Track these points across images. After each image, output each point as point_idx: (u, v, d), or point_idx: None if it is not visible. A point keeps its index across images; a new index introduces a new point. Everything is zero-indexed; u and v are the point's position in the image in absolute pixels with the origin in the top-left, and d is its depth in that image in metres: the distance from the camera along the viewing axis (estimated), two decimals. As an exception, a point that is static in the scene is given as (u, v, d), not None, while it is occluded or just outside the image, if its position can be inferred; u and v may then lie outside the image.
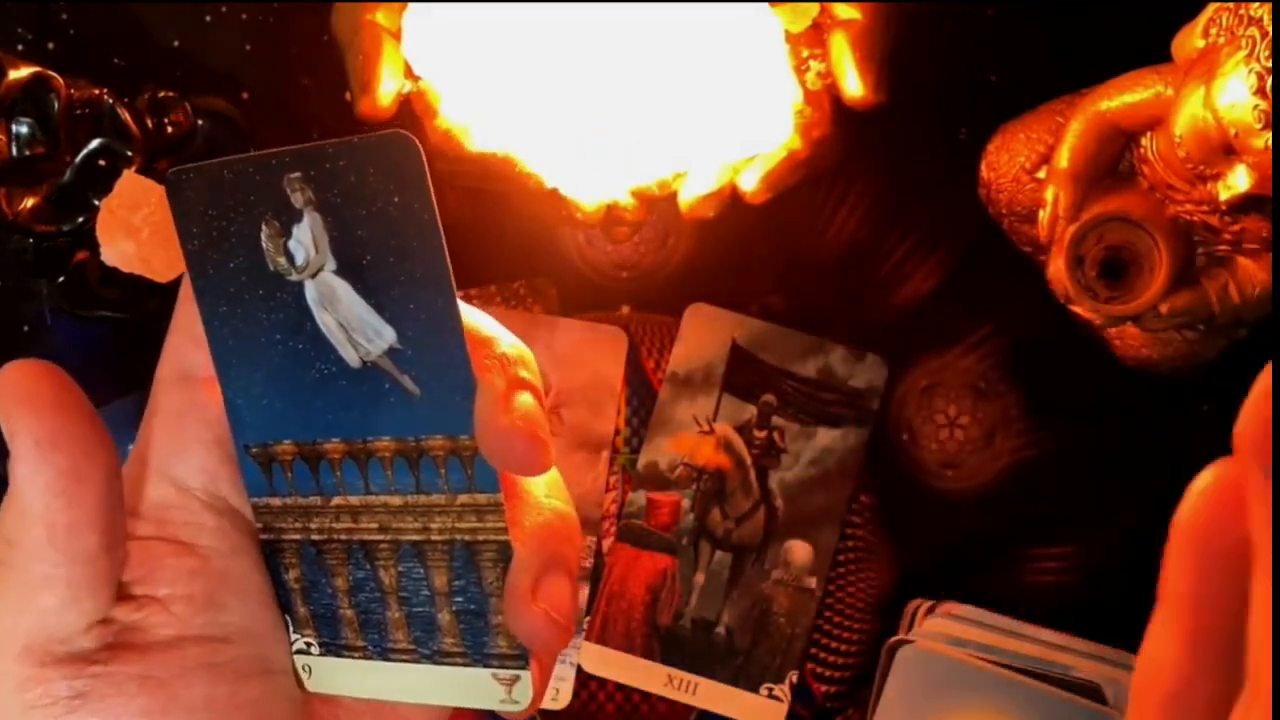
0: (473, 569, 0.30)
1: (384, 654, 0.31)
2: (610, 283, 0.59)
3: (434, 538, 0.30)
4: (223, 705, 0.29)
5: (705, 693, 0.56)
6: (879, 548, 0.58)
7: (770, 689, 0.57)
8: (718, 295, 0.58)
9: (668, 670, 0.57)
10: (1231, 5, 0.44)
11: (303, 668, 0.31)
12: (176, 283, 0.55)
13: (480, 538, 0.29)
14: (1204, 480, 0.24)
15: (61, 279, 0.55)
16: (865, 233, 0.58)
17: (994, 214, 0.56)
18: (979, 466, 0.58)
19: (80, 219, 0.54)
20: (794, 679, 0.57)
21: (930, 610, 0.56)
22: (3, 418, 0.27)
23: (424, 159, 0.27)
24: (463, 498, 0.29)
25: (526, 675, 0.30)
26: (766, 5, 0.51)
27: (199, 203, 0.28)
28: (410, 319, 0.28)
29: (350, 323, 0.28)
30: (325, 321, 0.29)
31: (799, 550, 0.57)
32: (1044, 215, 0.51)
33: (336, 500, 0.30)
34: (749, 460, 0.57)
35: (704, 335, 0.58)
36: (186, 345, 0.30)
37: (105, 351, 0.58)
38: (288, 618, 0.31)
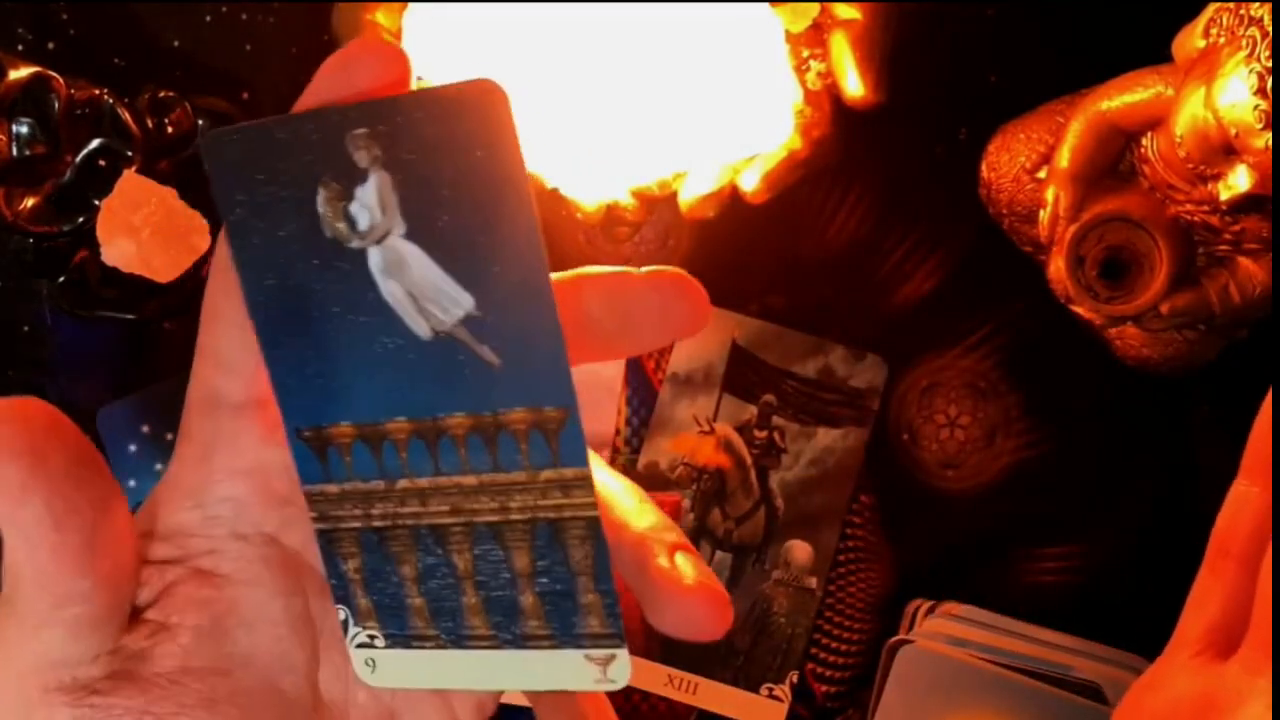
0: (558, 548, 0.27)
1: (459, 642, 0.28)
2: (610, 283, 0.59)
3: (513, 517, 0.27)
4: None
5: (705, 693, 0.56)
6: (879, 548, 0.58)
7: (770, 689, 0.57)
8: (718, 295, 0.58)
9: (668, 670, 0.57)
10: (1232, 5, 0.44)
11: (366, 662, 0.29)
12: (177, 283, 0.55)
13: (566, 515, 0.27)
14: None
15: (61, 279, 0.55)
16: (865, 233, 0.57)
17: (994, 214, 0.55)
18: (979, 466, 0.58)
19: (80, 219, 0.54)
20: (794, 679, 0.57)
21: (930, 610, 0.56)
22: None
23: (511, 109, 0.24)
24: (546, 473, 0.27)
25: (623, 653, 0.28)
26: (766, 5, 0.51)
27: (243, 166, 0.26)
28: (492, 283, 0.25)
29: (421, 290, 0.26)
30: (391, 290, 0.26)
31: (799, 550, 0.57)
32: (1044, 215, 0.51)
33: (402, 483, 0.28)
34: (749, 460, 0.57)
35: (704, 335, 0.58)
36: (212, 371, 0.29)
37: (105, 351, 0.58)
38: (345, 610, 0.29)
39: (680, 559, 0.27)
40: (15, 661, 0.27)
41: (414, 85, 0.26)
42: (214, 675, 0.28)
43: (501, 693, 0.31)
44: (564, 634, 0.28)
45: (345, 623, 0.29)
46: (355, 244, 0.26)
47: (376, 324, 0.26)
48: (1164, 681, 0.35)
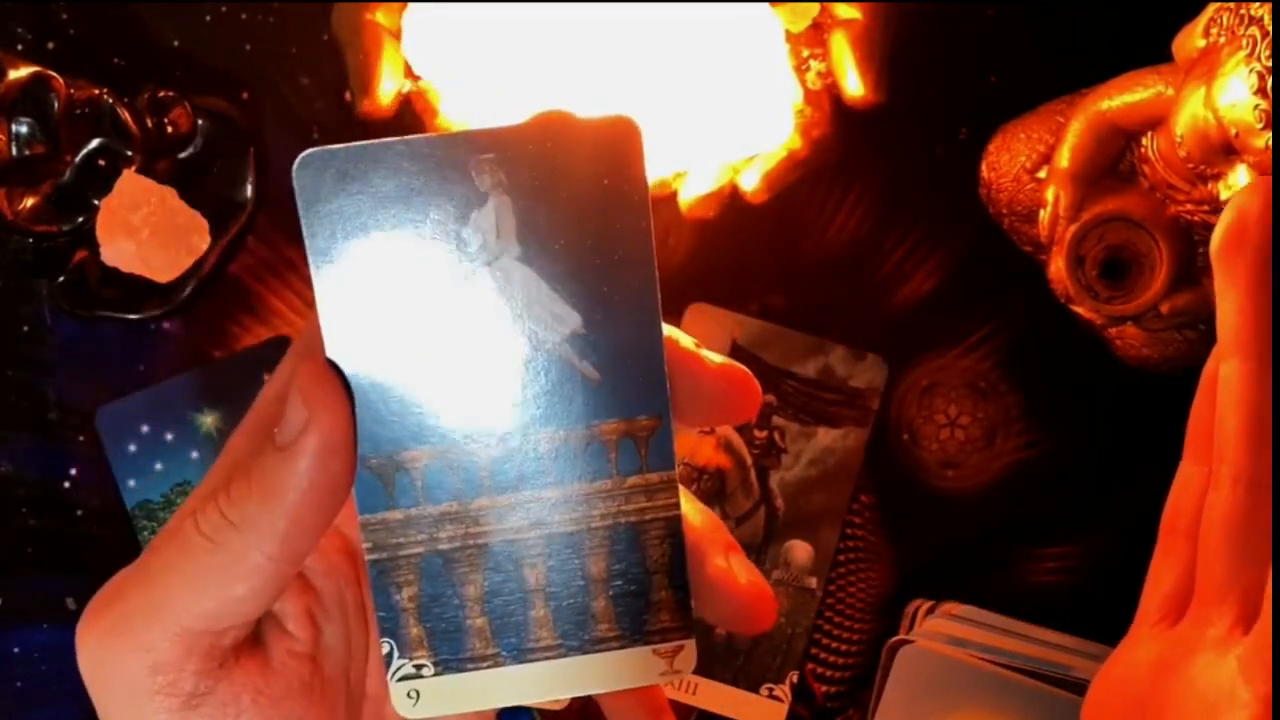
0: (636, 550, 0.28)
1: (519, 656, 0.29)
2: (610, 283, 0.59)
3: (595, 525, 0.28)
4: None
5: (705, 693, 0.56)
6: (879, 548, 0.58)
7: (770, 689, 0.57)
8: (718, 295, 0.58)
9: (668, 670, 0.57)
10: (1232, 5, 0.44)
11: (409, 694, 0.29)
12: (177, 283, 0.55)
13: (648, 517, 0.28)
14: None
15: (61, 279, 0.55)
16: (865, 233, 0.57)
17: (994, 214, 0.56)
18: (979, 466, 0.58)
19: (80, 219, 0.54)
20: (794, 679, 0.57)
21: (930, 610, 0.56)
22: (303, 409, 0.26)
23: (643, 143, 0.26)
24: (633, 479, 0.28)
25: (690, 643, 0.29)
26: (766, 5, 0.51)
27: (341, 187, 0.26)
28: (601, 302, 0.27)
29: (528, 310, 0.27)
30: (496, 310, 0.27)
31: (799, 550, 0.57)
32: (1044, 215, 0.51)
33: (479, 502, 0.28)
34: (749, 460, 0.57)
35: (704, 335, 0.58)
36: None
37: (105, 351, 0.58)
38: (390, 643, 0.29)
39: (734, 560, 0.29)
40: (178, 613, 0.27)
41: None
42: (308, 661, 0.29)
43: None
44: (634, 632, 0.29)
45: (389, 655, 0.29)
46: (462, 265, 0.27)
47: (473, 344, 0.27)
48: (1126, 654, 0.37)
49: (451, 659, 0.29)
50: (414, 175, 0.26)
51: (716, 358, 0.28)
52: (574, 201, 0.26)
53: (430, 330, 0.27)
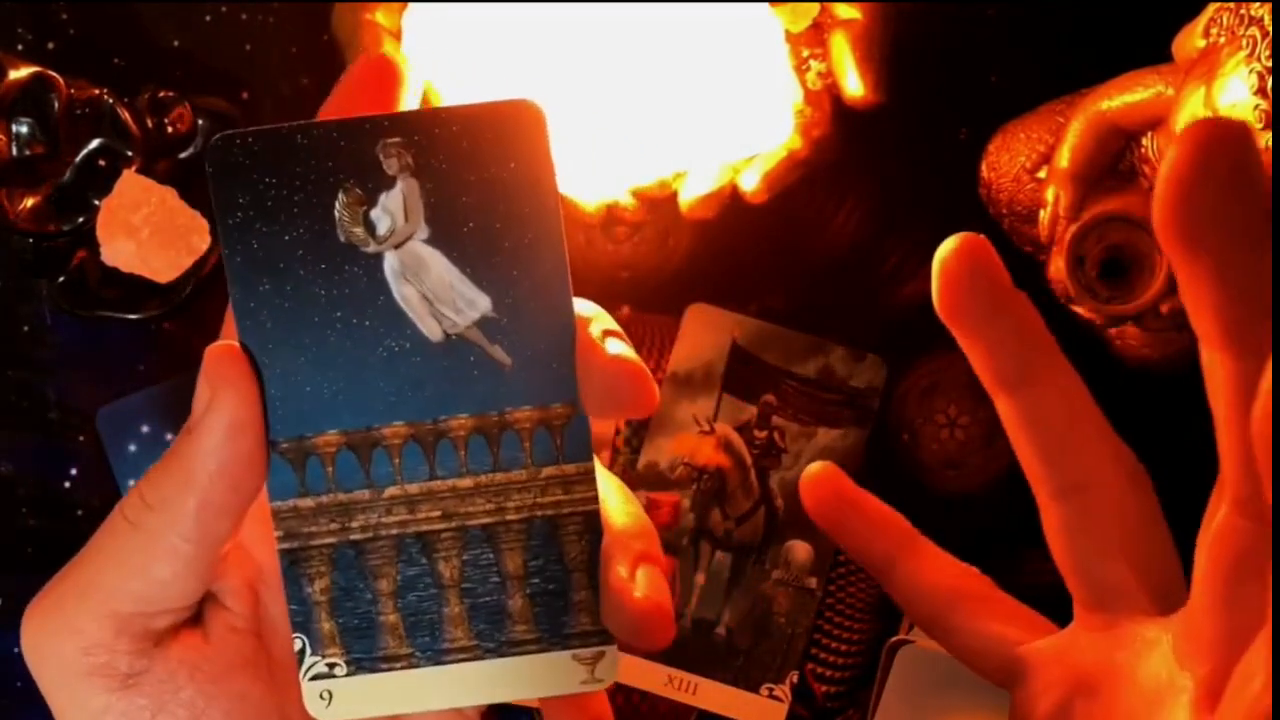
0: (553, 545, 0.28)
1: (435, 657, 0.28)
2: (610, 283, 0.59)
3: (509, 518, 0.28)
4: (256, 703, 0.29)
5: (705, 693, 0.56)
6: (879, 548, 0.58)
7: (770, 689, 0.57)
8: (718, 295, 0.58)
9: (668, 670, 0.56)
10: (1232, 5, 0.44)
11: (320, 695, 0.28)
12: (177, 283, 0.55)
13: (565, 510, 0.28)
14: None
15: (61, 279, 0.55)
16: (865, 233, 0.57)
17: (994, 214, 0.56)
18: (980, 466, 0.58)
19: (80, 219, 0.54)
20: (794, 679, 0.57)
21: (930, 610, 0.56)
22: (207, 389, 0.26)
23: (548, 125, 0.26)
24: (548, 470, 0.28)
25: (612, 649, 0.28)
26: (766, 5, 0.51)
27: (253, 170, 0.27)
28: (511, 285, 0.27)
29: (438, 293, 0.27)
30: (404, 294, 0.27)
31: (799, 550, 0.57)
32: (1044, 215, 0.51)
33: (390, 490, 0.28)
34: (749, 460, 0.57)
35: (704, 335, 0.58)
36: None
37: (105, 351, 0.58)
38: (302, 639, 0.28)
39: (642, 571, 0.28)
40: (105, 596, 0.27)
41: (418, 88, 0.28)
42: (251, 637, 0.29)
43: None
44: (553, 635, 0.28)
45: (301, 653, 0.28)
46: (371, 248, 0.27)
47: (383, 328, 0.27)
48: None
49: (364, 658, 0.28)
50: (323, 159, 0.26)
51: (617, 348, 0.27)
52: (481, 185, 0.27)
53: (339, 313, 0.27)
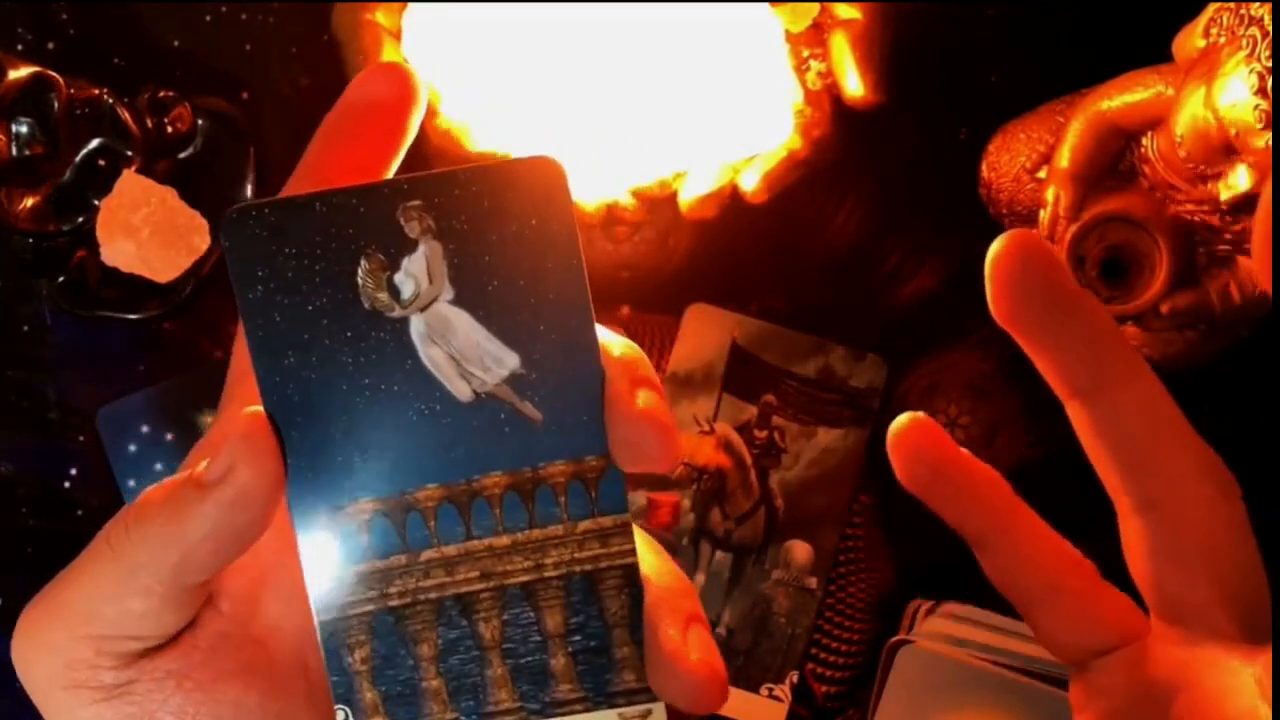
0: (593, 600, 0.28)
1: None
2: (610, 283, 0.59)
3: (548, 574, 0.28)
4: (250, 709, 0.28)
5: (705, 693, 0.56)
6: (879, 548, 0.58)
7: (770, 689, 0.57)
8: (718, 295, 0.58)
9: (668, 670, 0.57)
10: (1232, 5, 0.44)
11: None
12: (177, 283, 0.55)
13: (603, 565, 0.28)
14: None
15: (61, 279, 0.55)
16: (865, 232, 0.57)
17: (994, 214, 0.55)
18: (979, 466, 0.58)
19: (80, 219, 0.54)
20: (794, 679, 0.57)
21: (930, 610, 0.56)
22: (227, 458, 0.26)
23: (568, 181, 0.26)
24: (585, 524, 0.27)
25: (659, 708, 0.28)
26: (766, 5, 0.51)
27: (270, 242, 0.26)
28: (538, 341, 0.27)
29: (465, 353, 0.27)
30: (431, 356, 0.27)
31: (799, 550, 0.57)
32: (1044, 215, 0.51)
33: (427, 554, 0.27)
34: (749, 460, 0.57)
35: (704, 335, 0.58)
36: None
37: (105, 351, 0.58)
38: (345, 710, 0.28)
39: (692, 633, 0.27)
40: (82, 617, 0.27)
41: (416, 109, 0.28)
42: (251, 644, 0.29)
43: None
44: (597, 694, 0.28)
45: None
46: (397, 313, 0.27)
47: (411, 392, 0.27)
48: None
49: None
50: (343, 225, 0.26)
51: (646, 400, 0.27)
52: (504, 243, 0.26)
53: (367, 380, 0.27)
